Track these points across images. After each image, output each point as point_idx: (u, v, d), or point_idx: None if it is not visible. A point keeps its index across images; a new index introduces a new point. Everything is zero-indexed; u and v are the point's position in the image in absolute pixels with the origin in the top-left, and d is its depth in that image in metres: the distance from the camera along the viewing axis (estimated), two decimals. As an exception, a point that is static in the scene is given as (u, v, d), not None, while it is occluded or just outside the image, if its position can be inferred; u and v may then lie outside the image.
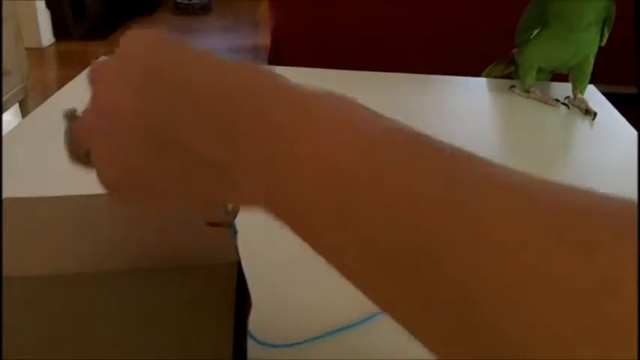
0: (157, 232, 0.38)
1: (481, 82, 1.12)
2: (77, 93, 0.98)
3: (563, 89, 1.07)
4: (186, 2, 4.56)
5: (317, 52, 2.95)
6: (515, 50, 1.09)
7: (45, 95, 0.97)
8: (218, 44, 3.87)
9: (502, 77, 1.13)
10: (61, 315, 0.35)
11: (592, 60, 1.01)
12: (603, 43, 1.00)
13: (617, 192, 0.64)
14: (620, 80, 2.98)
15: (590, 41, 0.99)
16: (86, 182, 0.66)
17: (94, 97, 0.32)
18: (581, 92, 1.02)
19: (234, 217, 0.40)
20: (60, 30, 3.77)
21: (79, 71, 1.07)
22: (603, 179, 0.80)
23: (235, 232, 0.39)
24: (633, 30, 2.85)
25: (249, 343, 0.43)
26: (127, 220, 0.40)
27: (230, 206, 0.41)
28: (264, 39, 3.62)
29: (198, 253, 0.36)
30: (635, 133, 0.94)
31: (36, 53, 3.49)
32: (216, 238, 0.37)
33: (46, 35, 3.68)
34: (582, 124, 0.97)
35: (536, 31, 1.02)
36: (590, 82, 1.05)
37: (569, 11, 0.96)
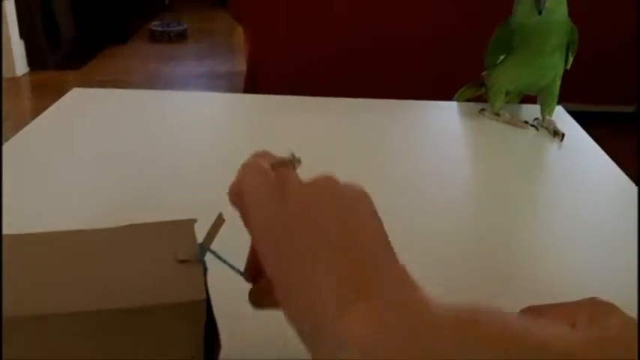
0: (124, 269, 0.38)
1: (453, 105, 1.14)
2: (51, 123, 0.98)
3: (533, 111, 1.09)
4: (162, 30, 4.57)
5: (292, 78, 2.97)
6: (484, 73, 1.11)
7: (19, 126, 0.97)
8: (194, 71, 3.88)
9: (474, 99, 1.16)
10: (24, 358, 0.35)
11: (558, 82, 1.04)
12: (568, 67, 1.03)
13: (585, 212, 0.65)
14: (587, 99, 3.03)
15: (555, 65, 1.01)
16: (55, 218, 0.66)
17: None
18: (549, 114, 1.04)
19: (205, 252, 0.40)
20: (34, 59, 3.76)
21: (54, 101, 1.07)
22: (572, 200, 0.81)
23: (206, 269, 0.40)
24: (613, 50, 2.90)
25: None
26: (93, 259, 0.40)
27: (200, 240, 0.41)
28: (241, 65, 3.63)
29: (165, 291, 0.36)
30: (602, 153, 0.96)
31: (10, 83, 3.47)
32: (185, 275, 0.38)
33: (20, 65, 3.67)
34: (551, 145, 0.99)
35: (502, 56, 1.04)
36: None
37: (534, 37, 0.98)
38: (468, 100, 1.18)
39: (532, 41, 0.99)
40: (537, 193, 0.84)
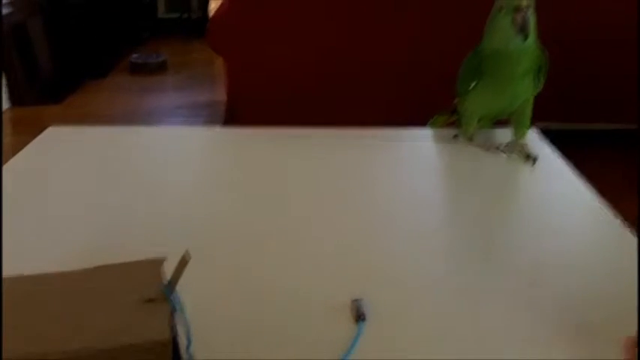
0: (92, 310, 0.39)
1: (427, 132, 1.15)
2: (32, 159, 0.98)
3: (506, 134, 1.10)
4: (141, 62, 4.58)
5: (272, 107, 2.98)
6: (456, 100, 1.13)
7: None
8: (174, 102, 3.89)
9: (447, 125, 1.17)
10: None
11: (529, 106, 1.06)
12: (539, 90, 1.04)
13: (559, 235, 0.66)
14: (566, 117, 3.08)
15: (526, 89, 1.03)
16: (30, 257, 0.65)
17: None
18: (521, 137, 1.06)
19: (172, 291, 0.41)
20: (13, 95, 3.75)
21: (34, 136, 1.07)
22: (545, 223, 0.82)
23: (174, 308, 0.40)
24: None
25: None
26: (63, 301, 0.40)
27: (167, 279, 0.42)
28: (221, 95, 3.65)
29: (131, 331, 0.36)
30: (573, 174, 0.98)
31: (-11, 120, 3.45)
32: (151, 315, 0.38)
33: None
34: (523, 169, 1.00)
35: (474, 83, 1.05)
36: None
37: (505, 63, 0.99)
38: (442, 126, 1.19)
39: (503, 68, 1.00)
40: (511, 217, 0.85)
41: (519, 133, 1.06)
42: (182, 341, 0.43)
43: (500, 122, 1.14)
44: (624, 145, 3.07)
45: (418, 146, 1.09)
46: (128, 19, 5.28)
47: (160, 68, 4.62)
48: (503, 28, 0.96)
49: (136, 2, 5.64)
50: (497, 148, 1.05)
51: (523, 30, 0.94)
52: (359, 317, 0.61)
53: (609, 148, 3.13)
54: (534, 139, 1.11)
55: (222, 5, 3.12)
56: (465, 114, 1.08)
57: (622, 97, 3.06)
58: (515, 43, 0.96)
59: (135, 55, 4.73)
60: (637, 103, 2.97)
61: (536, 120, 1.09)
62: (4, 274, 0.45)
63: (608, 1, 2.84)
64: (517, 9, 0.93)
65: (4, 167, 0.96)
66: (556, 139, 1.15)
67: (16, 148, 1.02)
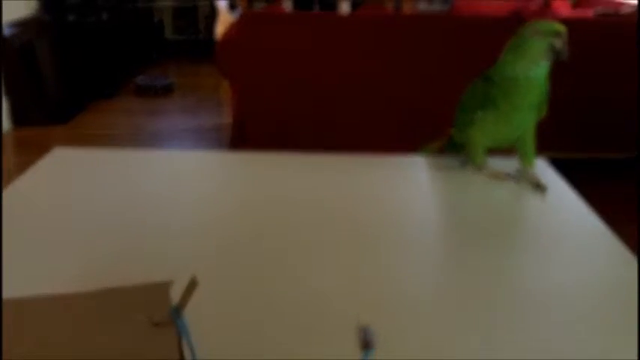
0: (101, 333, 0.38)
1: (434, 160, 1.15)
2: (31, 184, 0.97)
3: (512, 163, 1.10)
4: (148, 84, 4.61)
5: (278, 131, 3.00)
6: (453, 130, 1.12)
7: (5, 183, 0.97)
8: (180, 125, 3.90)
9: (437, 153, 1.17)
10: None
11: (532, 134, 1.05)
12: (542, 116, 1.04)
13: (571, 265, 0.65)
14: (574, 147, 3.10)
15: (532, 118, 1.03)
16: (35, 280, 0.65)
17: None
18: (530, 165, 1.05)
19: (179, 315, 0.40)
20: (19, 116, 3.77)
21: (40, 157, 1.07)
22: (555, 252, 0.81)
23: (181, 331, 0.39)
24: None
25: None
26: (72, 323, 0.39)
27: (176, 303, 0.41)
28: (227, 119, 3.66)
29: (138, 355, 0.36)
30: (584, 205, 0.97)
31: (-5, 140, 3.47)
32: (159, 339, 0.37)
33: (5, 121, 3.67)
34: (533, 198, 0.99)
35: (481, 112, 1.04)
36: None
37: (520, 91, 0.99)
38: (433, 154, 1.18)
39: (518, 95, 1.00)
40: (520, 247, 0.84)
41: (527, 161, 1.06)
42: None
43: (495, 151, 1.13)
44: (620, 174, 3.10)
45: (427, 173, 1.09)
46: (135, 40, 5.32)
47: (167, 90, 4.64)
48: (537, 52, 0.96)
49: (144, 24, 5.70)
50: (507, 176, 1.05)
51: (561, 55, 0.96)
52: (366, 345, 0.59)
53: (610, 177, 3.14)
54: (543, 168, 1.10)
55: (229, 30, 3.15)
56: (472, 145, 1.07)
57: (622, 127, 3.08)
58: (541, 70, 0.97)
59: (141, 77, 4.77)
60: (636, 134, 2.99)
61: (543, 149, 1.09)
62: (8, 296, 0.44)
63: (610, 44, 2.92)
64: (557, 34, 0.95)
65: (9, 188, 0.95)
66: (561, 168, 1.14)
67: (21, 169, 1.02)
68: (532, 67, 0.97)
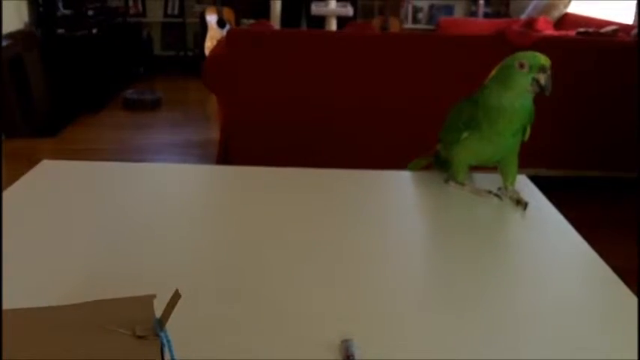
0: (85, 345, 0.39)
1: (417, 175, 1.16)
2: (24, 192, 0.98)
3: (494, 180, 1.11)
4: (136, 98, 4.61)
5: (264, 146, 3.02)
6: (439, 146, 1.14)
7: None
8: (167, 139, 3.91)
9: (424, 168, 1.19)
10: None
11: (516, 153, 1.07)
12: (526, 139, 1.06)
13: (550, 281, 0.67)
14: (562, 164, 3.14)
15: (516, 141, 1.05)
16: (23, 292, 0.65)
17: None
18: (511, 183, 1.07)
19: (162, 328, 0.41)
20: (7, 128, 3.76)
21: (28, 169, 1.07)
22: (535, 268, 0.83)
23: (163, 344, 0.40)
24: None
25: None
26: (56, 335, 0.40)
27: (159, 315, 0.42)
28: (214, 133, 3.67)
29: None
30: (564, 221, 0.99)
31: (-18, 152, 3.45)
32: (141, 351, 0.38)
33: (-7, 134, 3.66)
34: (514, 214, 1.01)
35: (466, 133, 1.06)
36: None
37: (506, 118, 1.01)
38: (420, 169, 1.21)
39: (503, 122, 1.01)
40: (501, 263, 0.85)
41: (509, 179, 1.08)
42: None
43: (480, 168, 1.15)
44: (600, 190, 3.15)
45: (410, 189, 1.10)
46: (124, 55, 5.33)
47: (155, 105, 4.65)
48: (522, 86, 0.98)
49: (133, 39, 5.71)
50: (489, 192, 1.06)
51: (545, 90, 0.96)
52: (348, 358, 0.60)
53: (591, 194, 3.17)
54: (524, 185, 1.12)
55: (217, 46, 3.17)
56: (456, 162, 1.09)
57: (617, 146, 3.14)
58: (525, 101, 0.99)
59: (130, 91, 4.77)
60: (634, 152, 3.04)
61: (524, 166, 1.11)
62: (7, 298, 0.45)
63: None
64: (542, 69, 0.96)
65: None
66: (541, 185, 1.16)
67: (9, 181, 1.03)
68: (517, 99, 0.99)
